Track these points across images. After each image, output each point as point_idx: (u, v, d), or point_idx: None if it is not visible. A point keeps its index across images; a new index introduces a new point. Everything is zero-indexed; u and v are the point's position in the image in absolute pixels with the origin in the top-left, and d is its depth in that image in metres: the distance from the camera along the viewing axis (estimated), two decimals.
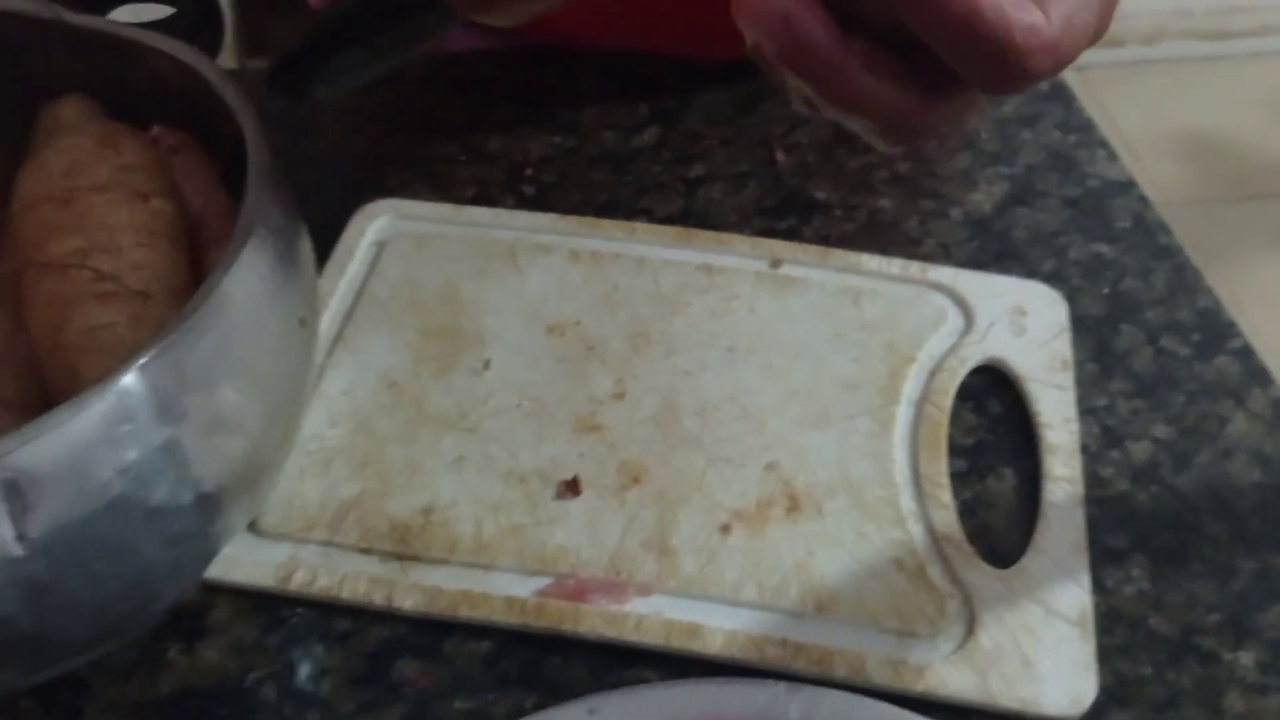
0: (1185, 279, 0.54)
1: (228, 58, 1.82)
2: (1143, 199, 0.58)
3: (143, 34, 0.43)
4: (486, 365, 0.50)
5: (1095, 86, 1.99)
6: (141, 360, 0.33)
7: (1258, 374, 0.50)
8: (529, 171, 0.60)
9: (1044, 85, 0.64)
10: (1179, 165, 1.87)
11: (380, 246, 0.55)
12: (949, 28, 0.29)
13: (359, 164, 0.60)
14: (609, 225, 0.56)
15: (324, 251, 0.54)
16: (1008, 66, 0.29)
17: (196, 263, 0.39)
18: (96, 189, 0.38)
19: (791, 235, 0.56)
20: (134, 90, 0.44)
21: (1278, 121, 1.94)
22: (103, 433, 0.32)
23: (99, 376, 0.32)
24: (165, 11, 0.48)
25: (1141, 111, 1.94)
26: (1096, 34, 0.32)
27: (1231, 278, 1.71)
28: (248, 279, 0.36)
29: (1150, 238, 0.56)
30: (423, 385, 0.49)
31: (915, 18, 0.29)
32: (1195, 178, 1.85)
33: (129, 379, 0.32)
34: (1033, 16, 0.29)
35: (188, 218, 0.40)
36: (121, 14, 0.48)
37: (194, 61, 0.42)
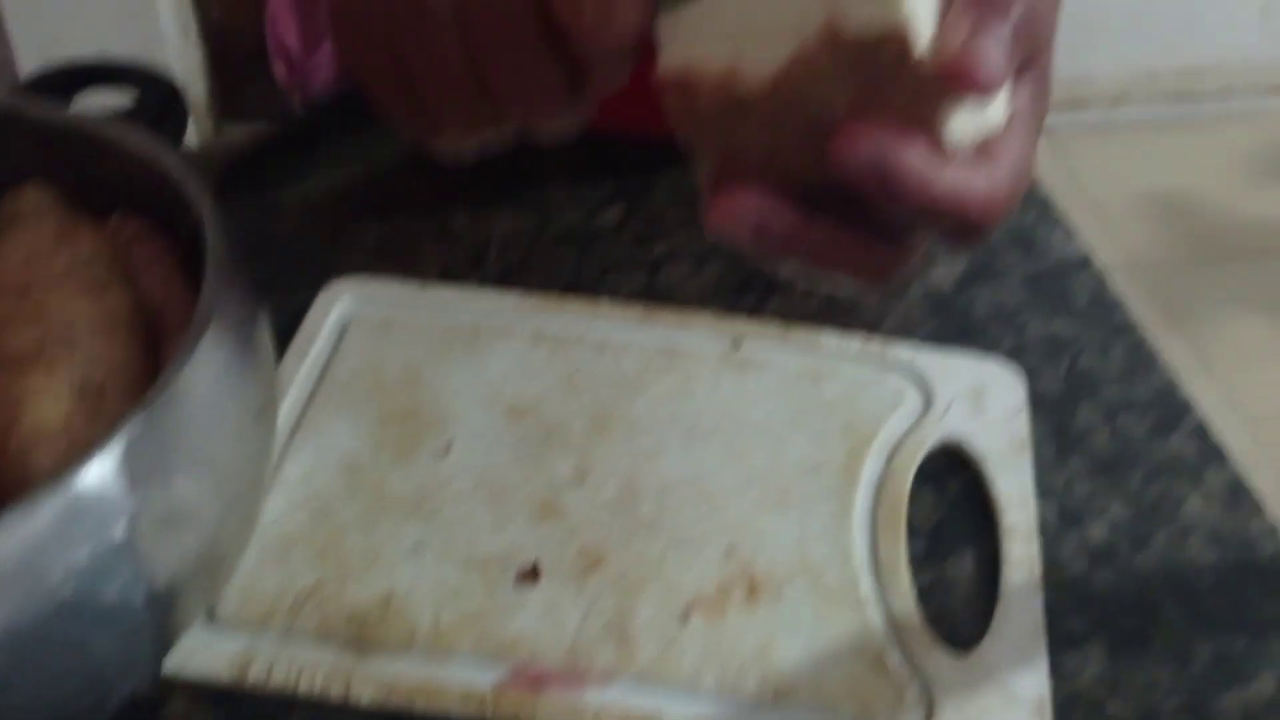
0: (1142, 356, 0.55)
1: (202, 122, 1.83)
2: (1100, 276, 0.59)
3: (103, 125, 0.44)
4: (447, 449, 0.50)
5: (1062, 148, 2.02)
6: (95, 457, 0.33)
7: (1213, 453, 0.51)
8: (494, 251, 0.60)
9: None
10: (1147, 226, 1.89)
11: (344, 328, 0.55)
12: (912, 213, 0.30)
13: (324, 243, 0.60)
14: (572, 304, 0.56)
15: (288, 333, 0.55)
16: (969, 233, 0.31)
17: (155, 353, 0.40)
18: (54, 281, 0.38)
19: (753, 313, 0.57)
20: (97, 178, 0.44)
21: (1244, 183, 1.97)
22: (54, 533, 0.32)
23: (51, 474, 0.32)
24: (128, 98, 0.48)
25: (1109, 173, 1.97)
26: (1037, 139, 0.34)
27: (1203, 338, 1.73)
28: (205, 373, 0.36)
29: (1108, 315, 0.57)
30: (383, 470, 0.49)
31: (878, 201, 0.30)
32: (1164, 238, 1.88)
33: (81, 477, 0.32)
34: (983, 181, 0.30)
35: (146, 308, 0.40)
36: (85, 101, 0.48)
37: (154, 153, 0.43)
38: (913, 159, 0.30)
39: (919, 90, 0.30)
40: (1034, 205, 0.63)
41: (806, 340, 0.55)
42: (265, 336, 0.41)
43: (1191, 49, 2.02)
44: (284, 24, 0.70)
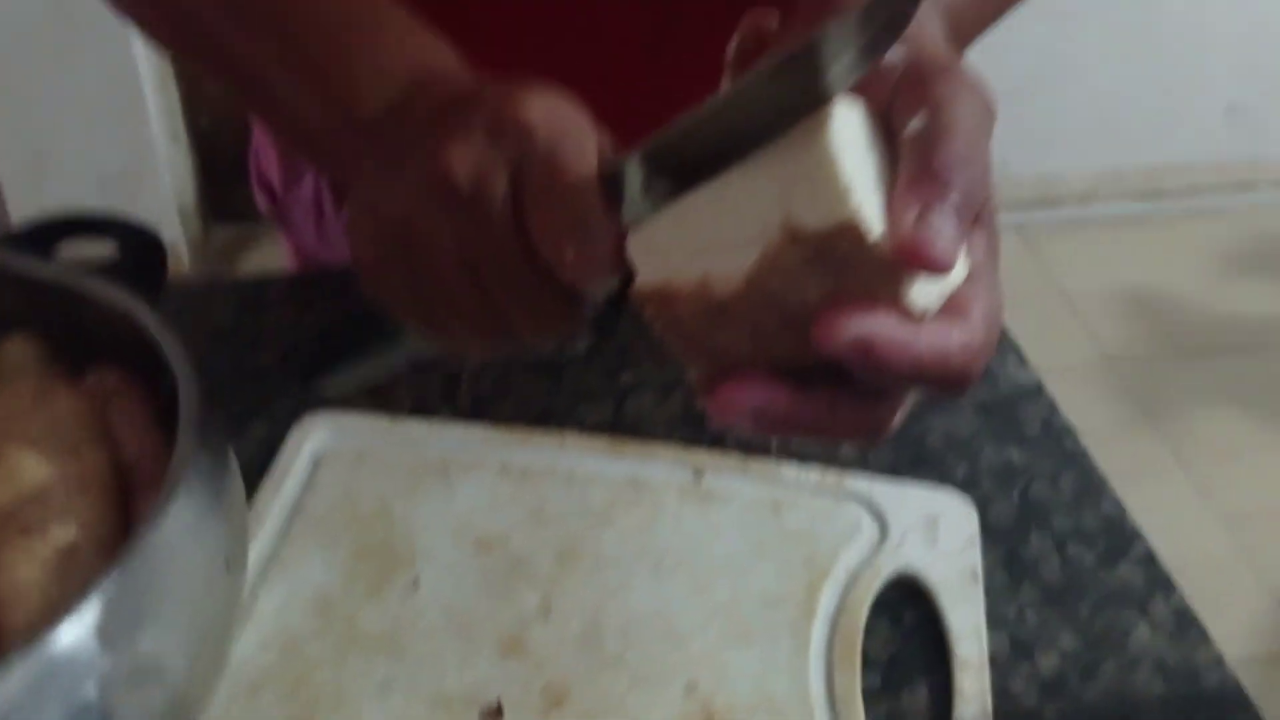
0: (1091, 484, 0.57)
1: (191, 223, 1.86)
2: (1051, 404, 0.61)
3: (84, 281, 0.46)
4: (416, 584, 0.51)
5: (1035, 244, 2.06)
6: (67, 619, 0.34)
7: (1160, 582, 0.52)
8: (466, 382, 0.62)
9: None
10: (1120, 321, 1.92)
11: (317, 461, 0.57)
12: (900, 380, 0.32)
13: (301, 376, 0.62)
14: (540, 437, 0.58)
15: (263, 465, 0.56)
16: (952, 386, 0.33)
17: (128, 508, 0.41)
18: (30, 442, 0.40)
19: (716, 442, 0.58)
20: (79, 329, 0.46)
21: (1213, 278, 2.01)
22: (27, 694, 0.33)
23: (26, 633, 0.34)
24: (110, 250, 0.50)
25: (1081, 268, 2.00)
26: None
27: (1177, 432, 1.75)
28: (175, 531, 0.37)
29: (1058, 443, 0.59)
30: (354, 604, 0.50)
31: (865, 374, 0.32)
32: (1136, 333, 1.91)
33: (55, 639, 0.34)
34: (960, 335, 0.33)
35: (121, 462, 0.42)
36: (68, 252, 0.50)
37: (132, 309, 0.44)
38: (889, 331, 0.32)
39: (880, 270, 0.32)
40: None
41: (766, 471, 0.56)
42: (237, 489, 0.43)
43: (1158, 148, 2.07)
44: (266, 159, 0.73)
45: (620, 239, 0.36)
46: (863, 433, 0.35)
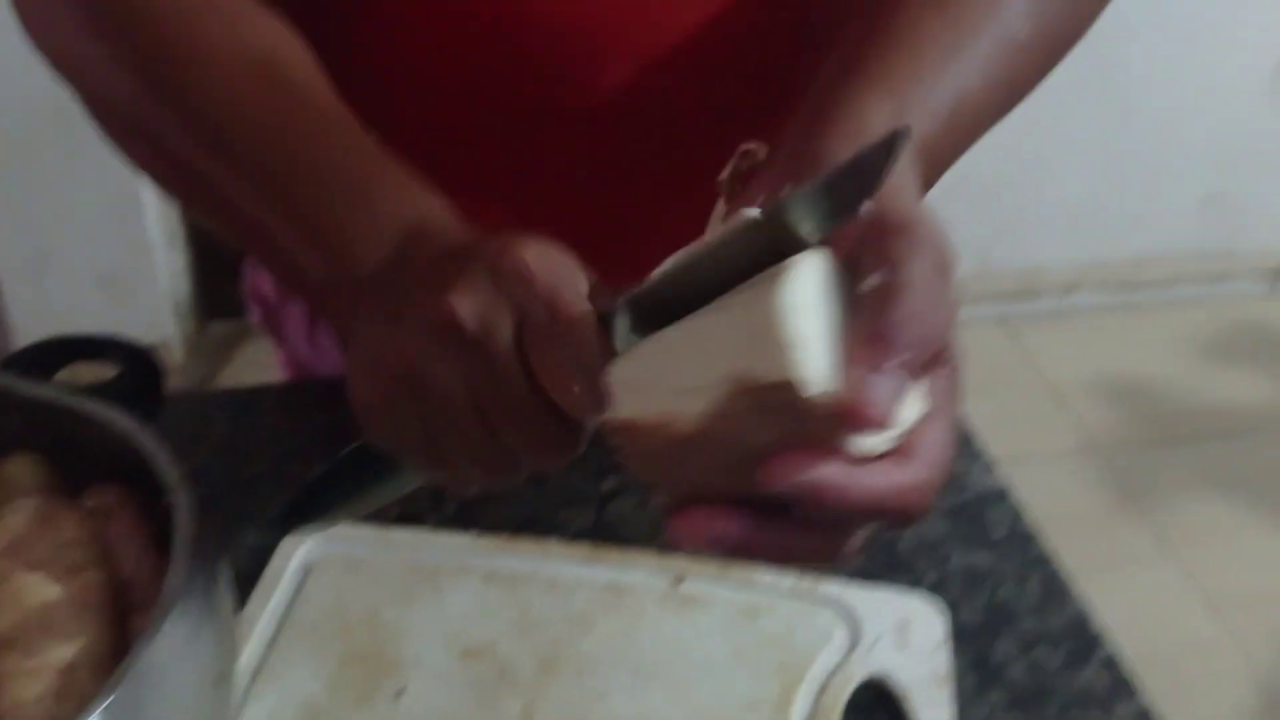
0: (1056, 587, 0.59)
1: (186, 322, 1.88)
2: (1017, 508, 0.63)
3: (84, 403, 0.48)
4: (402, 692, 0.52)
5: (1018, 335, 2.09)
6: None
7: (1123, 686, 0.54)
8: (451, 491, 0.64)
9: None
10: (1102, 409, 1.95)
11: (308, 570, 0.58)
12: (847, 516, 0.35)
13: (294, 485, 0.64)
14: (523, 544, 0.60)
15: (255, 573, 0.58)
16: (898, 522, 0.36)
17: (124, 625, 0.43)
18: (35, 565, 0.41)
19: (694, 549, 0.60)
20: (80, 448, 0.48)
21: (1193, 366, 2.04)
22: None
23: None
24: (110, 373, 0.52)
25: (1063, 358, 2.04)
26: (955, 424, 0.38)
27: (1161, 518, 1.77)
28: (168, 649, 0.39)
29: (1024, 547, 0.61)
30: (342, 713, 0.52)
31: (813, 513, 0.35)
32: (1119, 421, 1.94)
33: None
34: (902, 477, 0.35)
35: (118, 581, 0.44)
36: (68, 374, 0.53)
37: (130, 430, 0.47)
38: (832, 475, 0.34)
39: (826, 420, 0.34)
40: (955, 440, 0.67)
41: (744, 576, 0.58)
42: (228, 605, 0.44)
43: (1137, 240, 2.12)
44: (259, 272, 0.76)
45: None
46: (820, 559, 0.37)
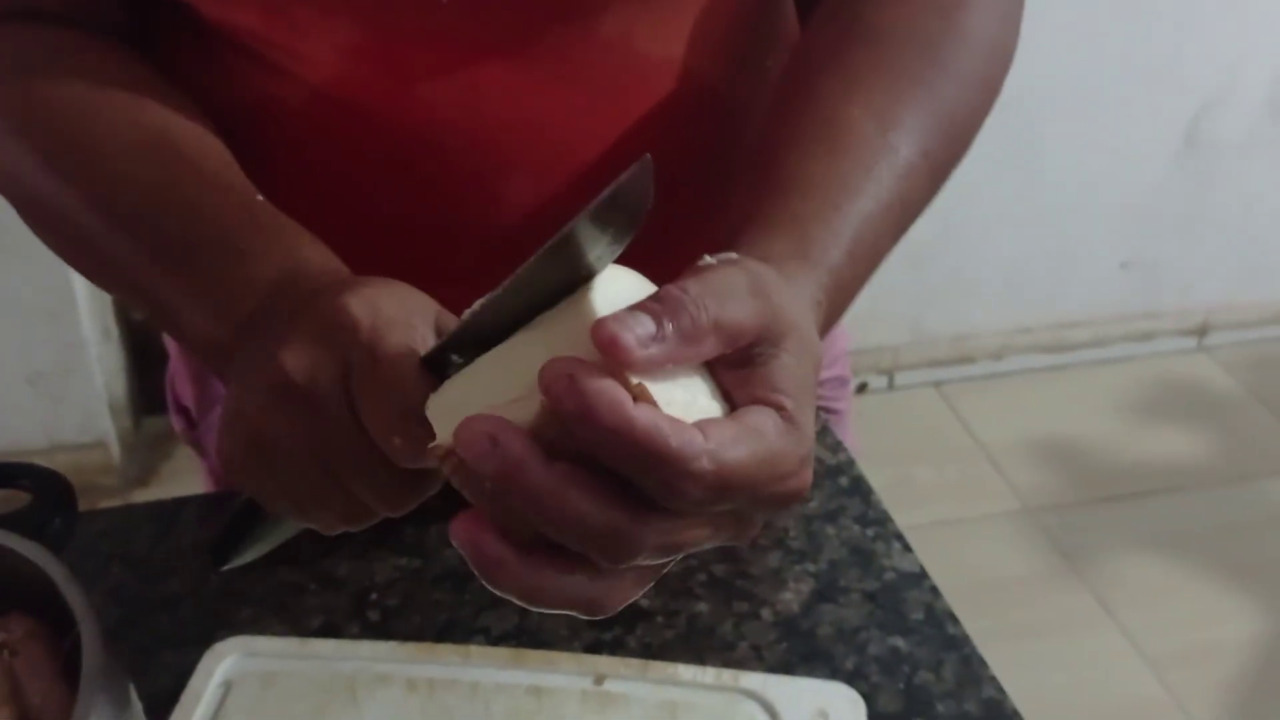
0: (972, 669, 0.60)
1: (121, 420, 1.86)
2: (934, 589, 0.64)
3: None
4: None
5: (952, 399, 2.13)
6: None
7: None
8: (374, 596, 0.64)
9: (844, 480, 0.71)
10: (1037, 470, 1.98)
11: (227, 687, 0.58)
12: (616, 447, 0.34)
13: (212, 601, 0.64)
14: (444, 650, 0.60)
15: (175, 692, 0.58)
16: (674, 483, 0.34)
17: None
18: None
19: (617, 646, 0.61)
20: None
21: (1122, 424, 2.09)
22: None
23: None
24: (23, 499, 0.53)
25: (997, 421, 2.07)
26: (778, 471, 0.38)
27: (1098, 579, 1.79)
28: None
29: (940, 629, 0.62)
30: None
31: (582, 434, 0.34)
32: (1054, 481, 1.97)
33: None
34: (687, 434, 0.35)
35: (27, 711, 0.44)
36: None
37: (40, 560, 0.47)
38: (612, 391, 0.34)
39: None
40: (873, 521, 0.69)
41: (664, 673, 0.59)
42: None
43: (1063, 303, 2.17)
44: (181, 386, 0.76)
45: None
46: (605, 532, 0.35)
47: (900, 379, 2.14)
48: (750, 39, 0.63)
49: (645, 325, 0.35)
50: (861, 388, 2.13)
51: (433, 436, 0.39)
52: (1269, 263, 2.23)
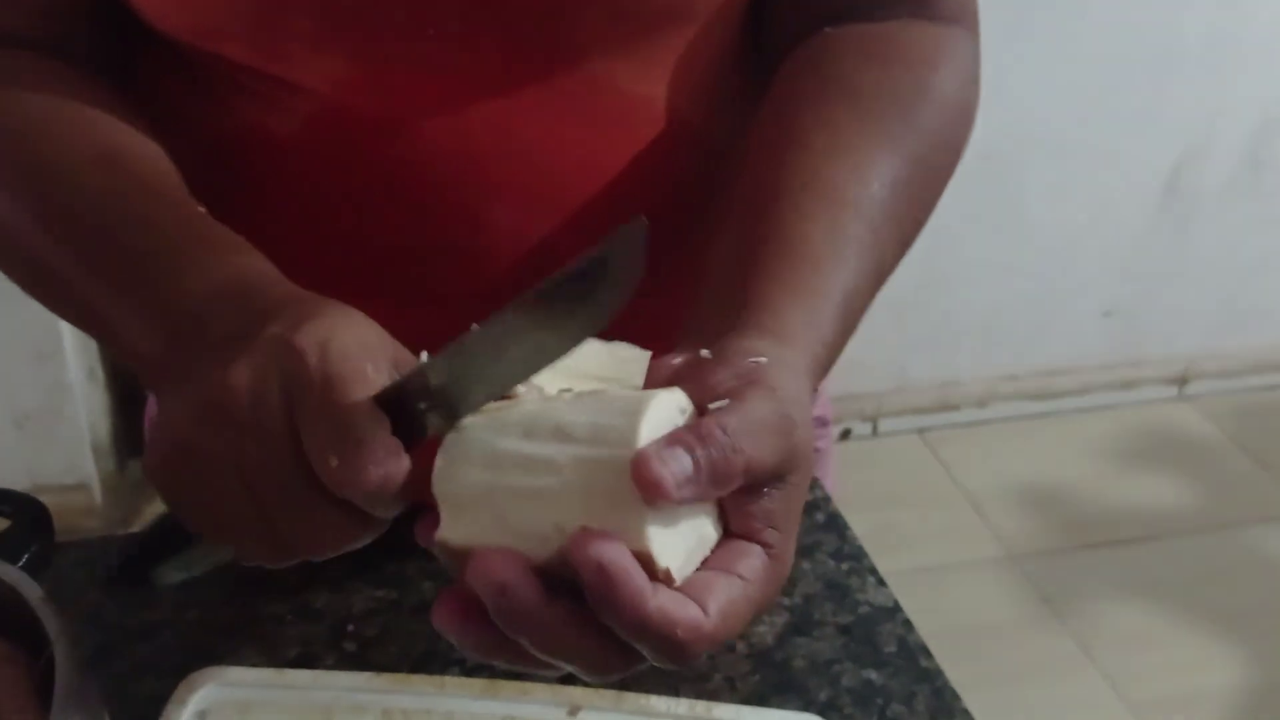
0: (944, 701, 0.60)
1: (105, 461, 1.86)
2: (907, 623, 0.65)
3: None
4: None
5: (936, 446, 2.14)
6: None
7: None
8: (351, 627, 0.64)
9: (820, 515, 0.72)
10: (1021, 517, 1.99)
11: (203, 716, 0.58)
12: (626, 626, 0.36)
13: (190, 630, 0.64)
14: (419, 681, 0.60)
15: None
16: (669, 656, 0.37)
17: None
18: None
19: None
20: None
21: (1105, 472, 2.10)
22: None
23: None
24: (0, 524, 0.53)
25: (981, 468, 2.08)
26: (761, 608, 0.40)
27: (1081, 625, 1.79)
28: None
29: (913, 662, 0.62)
30: None
31: (597, 606, 0.36)
32: (1037, 528, 1.97)
33: None
34: (692, 614, 0.37)
35: None
36: None
37: (17, 582, 0.47)
38: (631, 571, 0.36)
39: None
40: (848, 556, 0.69)
41: (638, 704, 0.59)
42: None
43: (1046, 352, 2.19)
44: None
45: (402, 453, 0.40)
46: (587, 664, 0.38)
47: (884, 425, 2.16)
48: (728, 80, 0.64)
49: (683, 465, 0.37)
50: (845, 434, 2.14)
51: (384, 466, 0.39)
52: (1249, 311, 2.26)
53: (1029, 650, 1.74)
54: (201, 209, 0.51)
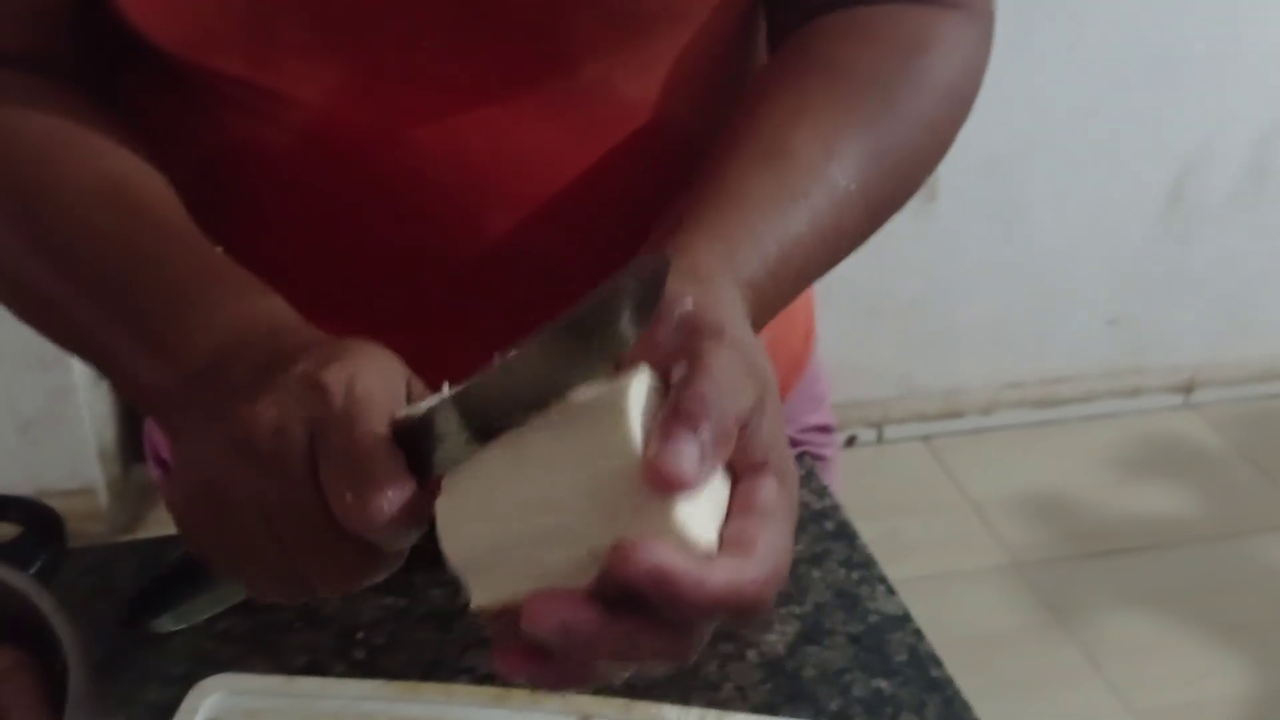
0: (955, 711, 0.60)
1: (110, 467, 1.86)
2: (917, 632, 0.65)
3: None
4: None
5: (941, 454, 2.13)
6: None
7: None
8: (360, 635, 0.64)
9: (829, 524, 0.72)
10: (1026, 525, 1.98)
11: None
12: (697, 613, 0.36)
13: (198, 638, 0.64)
14: (429, 689, 0.60)
15: None
16: (746, 616, 0.38)
17: None
18: None
19: (601, 688, 0.61)
20: None
21: (1110, 480, 2.09)
22: None
23: None
24: (11, 531, 0.53)
25: (986, 476, 2.07)
26: (794, 524, 0.41)
27: (1088, 635, 1.79)
28: None
29: (923, 671, 0.62)
30: None
31: (664, 608, 0.36)
32: (1043, 537, 1.97)
33: None
34: (751, 571, 0.37)
35: None
36: None
37: (28, 591, 0.47)
38: (681, 564, 0.36)
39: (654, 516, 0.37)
40: (858, 565, 0.69)
41: (649, 713, 0.59)
42: None
43: (1051, 359, 2.18)
44: (157, 434, 0.76)
45: (420, 488, 0.40)
46: (666, 658, 0.39)
47: (889, 432, 2.15)
48: (724, 84, 0.64)
49: (690, 451, 0.37)
50: (850, 441, 2.13)
51: (401, 501, 0.39)
52: (1254, 320, 2.25)
53: (1033, 659, 1.74)
54: (218, 248, 0.51)
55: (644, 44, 0.59)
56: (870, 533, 0.73)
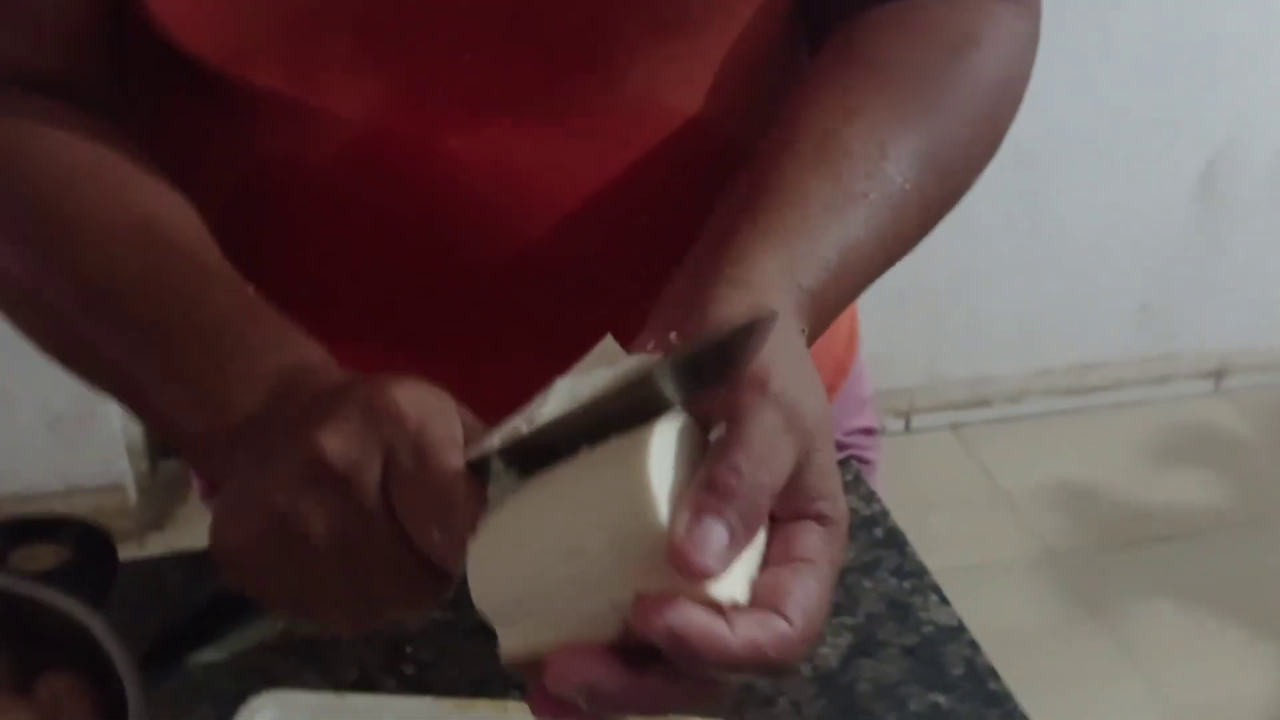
0: None
1: (138, 462, 1.86)
2: (973, 644, 0.64)
3: (37, 589, 0.48)
4: None
5: (970, 443, 2.12)
6: None
7: None
8: (409, 649, 0.64)
9: (879, 531, 0.71)
10: (1057, 515, 1.97)
11: None
12: (723, 671, 0.35)
13: (247, 653, 0.63)
14: (482, 705, 0.59)
15: None
16: (773, 669, 0.36)
17: None
18: None
19: None
20: (33, 634, 0.48)
21: (1141, 469, 2.08)
22: None
23: None
24: (64, 554, 0.52)
25: (1016, 465, 2.06)
26: (835, 579, 0.40)
27: (1123, 627, 1.77)
28: None
29: (981, 685, 0.61)
30: None
31: (683, 665, 0.36)
32: (1074, 527, 1.95)
33: None
34: (777, 629, 0.36)
35: None
36: (18, 557, 0.52)
37: (83, 617, 0.47)
38: (700, 622, 0.35)
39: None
40: (910, 574, 0.68)
41: None
42: None
43: (1080, 347, 2.16)
44: None
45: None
46: (695, 711, 0.38)
47: (917, 421, 2.14)
48: (767, 89, 0.63)
49: (718, 537, 0.36)
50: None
51: (467, 530, 0.39)
52: None
53: (1067, 652, 1.73)
54: (250, 288, 0.50)
55: (690, 44, 0.58)
56: (900, 522, 0.72)
